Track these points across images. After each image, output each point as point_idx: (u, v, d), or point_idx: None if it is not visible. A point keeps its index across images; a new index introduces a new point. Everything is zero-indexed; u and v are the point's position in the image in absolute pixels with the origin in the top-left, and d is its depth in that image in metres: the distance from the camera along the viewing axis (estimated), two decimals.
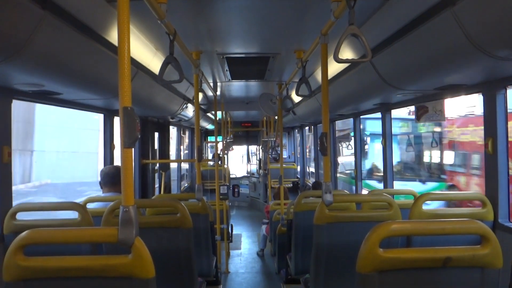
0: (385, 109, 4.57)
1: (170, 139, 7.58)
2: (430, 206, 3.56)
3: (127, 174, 1.49)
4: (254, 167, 14.12)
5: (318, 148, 2.63)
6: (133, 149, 1.53)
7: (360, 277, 1.57)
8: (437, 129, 8.91)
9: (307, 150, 10.94)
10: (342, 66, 3.91)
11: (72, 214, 2.68)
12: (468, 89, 3.06)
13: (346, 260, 2.61)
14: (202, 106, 5.35)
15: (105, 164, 4.34)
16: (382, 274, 1.57)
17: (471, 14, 1.90)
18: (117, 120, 4.63)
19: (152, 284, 1.54)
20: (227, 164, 9.76)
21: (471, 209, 2.78)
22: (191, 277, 2.66)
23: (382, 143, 4.63)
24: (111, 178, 3.49)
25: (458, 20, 1.96)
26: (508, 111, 2.77)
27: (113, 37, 2.70)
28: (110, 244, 2.34)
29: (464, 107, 9.70)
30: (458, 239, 1.90)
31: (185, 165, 10.02)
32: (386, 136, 4.57)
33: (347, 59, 2.35)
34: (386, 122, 4.60)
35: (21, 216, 2.61)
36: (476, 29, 1.93)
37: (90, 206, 3.24)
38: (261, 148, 11.51)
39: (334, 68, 4.01)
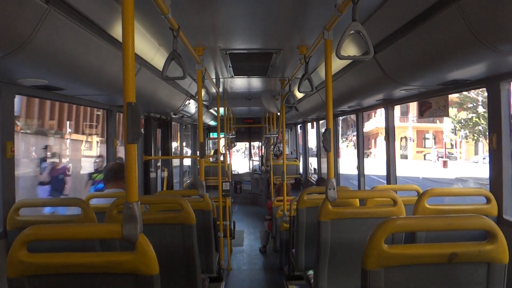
0: (388, 105, 4.55)
1: (173, 136, 7.58)
2: None
3: (131, 170, 1.49)
4: (256, 163, 14.10)
5: (322, 144, 2.62)
6: (136, 145, 1.53)
7: (365, 273, 1.56)
8: None
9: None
10: (346, 62, 3.89)
11: (74, 211, 2.67)
12: (472, 84, 3.05)
13: (351, 256, 2.61)
14: (205, 102, 5.35)
15: (107, 161, 4.34)
16: (387, 270, 1.56)
17: (476, 8, 1.88)
18: (120, 116, 4.63)
19: (156, 280, 1.54)
20: (230, 161, 9.76)
21: (475, 205, 2.76)
22: (194, 273, 2.66)
23: (385, 139, 4.61)
24: (114, 174, 3.49)
25: (463, 14, 1.94)
26: None
27: (116, 32, 2.69)
28: (114, 240, 2.34)
29: None
30: (462, 234, 1.89)
31: (187, 162, 10.02)
32: (389, 132, 4.55)
33: (348, 55, 2.34)
34: (389, 118, 4.58)
35: (24, 211, 2.61)
36: (481, 24, 1.92)
37: (93, 202, 3.24)
38: (263, 144, 11.48)
39: (337, 63, 4.00)
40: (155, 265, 1.53)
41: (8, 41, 1.83)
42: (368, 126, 38.88)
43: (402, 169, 23.09)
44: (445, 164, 29.52)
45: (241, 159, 16.95)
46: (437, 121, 35.51)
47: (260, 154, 13.77)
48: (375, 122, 40.05)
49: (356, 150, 5.92)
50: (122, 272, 1.52)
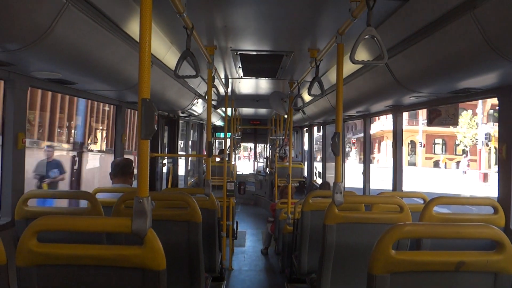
0: (396, 111, 4.54)
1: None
2: None
3: (143, 166, 1.50)
4: (260, 164, 14.11)
5: (331, 148, 2.62)
6: (148, 141, 1.54)
7: (371, 278, 1.56)
8: None
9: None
10: (356, 66, 3.89)
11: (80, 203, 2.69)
12: (483, 93, 3.04)
13: (355, 261, 2.60)
14: (213, 102, 5.36)
15: (115, 156, 4.36)
16: (394, 276, 1.56)
17: (492, 17, 1.88)
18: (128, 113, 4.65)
19: (162, 275, 1.55)
20: (235, 161, 9.75)
21: (482, 215, 2.75)
22: (198, 271, 2.67)
23: (392, 146, 4.60)
24: (121, 169, 3.52)
25: (478, 23, 1.94)
26: None
27: (131, 29, 2.71)
28: (120, 234, 2.36)
29: None
30: (468, 243, 1.88)
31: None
32: (397, 138, 4.54)
33: (362, 60, 2.34)
34: (397, 124, 4.57)
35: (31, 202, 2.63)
36: (496, 33, 1.91)
37: (99, 196, 3.26)
38: (269, 146, 11.48)
39: (347, 68, 3.99)
40: (163, 261, 1.54)
41: (25, 33, 1.86)
42: (372, 129, 36.75)
43: (420, 182, 19.66)
44: (485, 177, 24.01)
45: (238, 160, 16.81)
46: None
47: (265, 155, 13.79)
48: (381, 125, 38.93)
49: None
50: (130, 266, 1.53)
